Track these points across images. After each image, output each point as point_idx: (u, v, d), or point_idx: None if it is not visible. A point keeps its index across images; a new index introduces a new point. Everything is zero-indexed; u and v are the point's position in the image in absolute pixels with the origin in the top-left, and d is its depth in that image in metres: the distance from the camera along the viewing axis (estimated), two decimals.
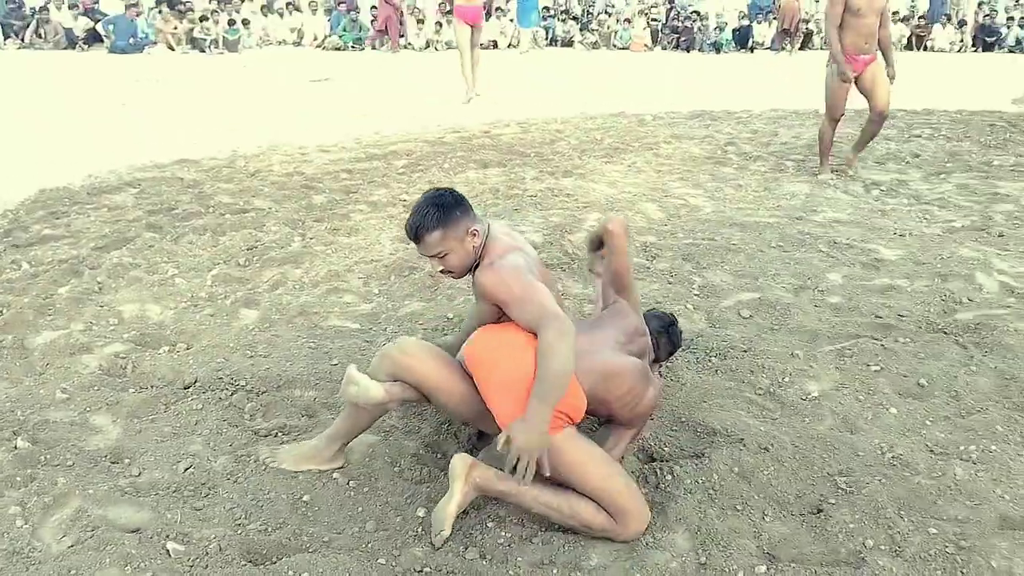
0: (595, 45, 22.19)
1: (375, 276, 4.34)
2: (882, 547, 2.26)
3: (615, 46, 22.02)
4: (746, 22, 22.10)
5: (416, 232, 2.44)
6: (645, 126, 9.29)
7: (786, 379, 3.22)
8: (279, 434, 2.81)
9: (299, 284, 4.20)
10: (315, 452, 2.58)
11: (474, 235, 2.47)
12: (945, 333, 3.61)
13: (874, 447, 2.73)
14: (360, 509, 2.43)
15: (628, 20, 22.48)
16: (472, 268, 2.52)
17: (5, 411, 2.91)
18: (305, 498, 2.46)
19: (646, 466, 2.67)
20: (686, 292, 4.11)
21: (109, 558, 2.15)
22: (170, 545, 2.21)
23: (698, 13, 22.38)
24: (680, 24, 21.89)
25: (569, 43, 22.47)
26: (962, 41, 23.01)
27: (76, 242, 4.70)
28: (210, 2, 21.08)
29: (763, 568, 2.18)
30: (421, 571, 2.18)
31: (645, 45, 21.78)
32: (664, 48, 21.87)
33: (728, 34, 22.24)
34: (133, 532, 2.27)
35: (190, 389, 3.09)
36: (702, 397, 3.09)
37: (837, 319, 3.77)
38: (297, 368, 3.25)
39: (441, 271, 2.51)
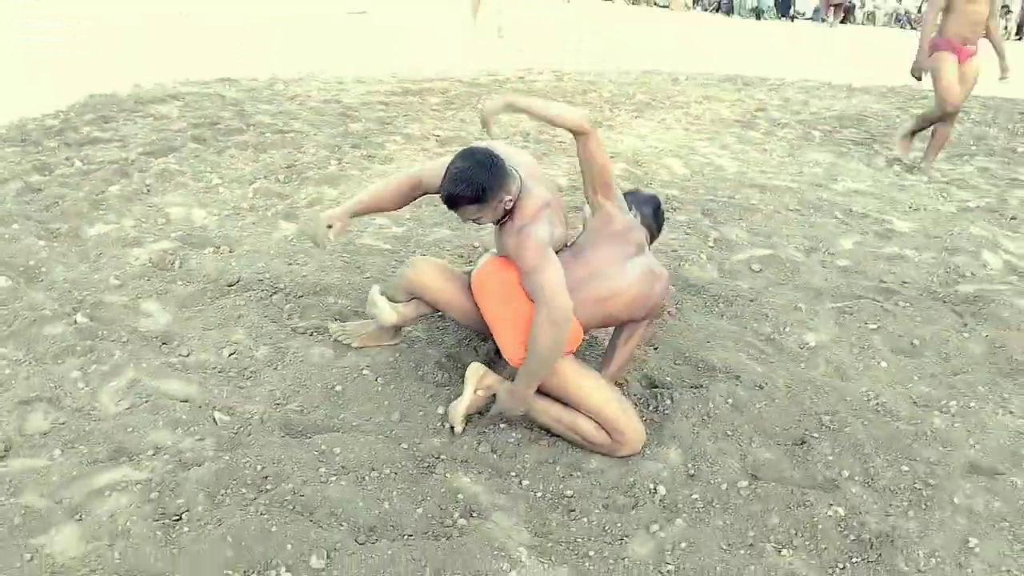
0: (635, 1, 22.02)
1: None
2: (856, 478, 2.49)
3: (656, 3, 21.84)
4: None
5: (454, 201, 2.47)
6: (678, 85, 9.37)
7: (787, 329, 3.42)
8: (314, 333, 3.05)
9: (335, 203, 4.41)
10: (380, 333, 2.91)
11: (510, 199, 2.53)
12: (944, 302, 3.79)
13: (861, 394, 2.94)
14: (386, 402, 2.68)
15: None
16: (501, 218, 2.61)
17: (64, 291, 3.16)
18: (338, 388, 2.71)
19: (647, 391, 2.90)
20: (701, 243, 4.30)
21: (162, 421, 2.42)
22: (216, 415, 2.46)
23: None
24: None
25: None
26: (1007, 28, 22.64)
27: (124, 146, 4.93)
28: None
29: (745, 483, 2.41)
30: (438, 458, 2.43)
31: (685, 5, 21.58)
32: (704, 10, 21.65)
33: (770, 0, 21.99)
34: (183, 402, 2.52)
35: (233, 287, 3.33)
36: (706, 338, 3.31)
37: (843, 280, 3.96)
38: (331, 278, 3.48)
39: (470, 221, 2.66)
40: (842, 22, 21.26)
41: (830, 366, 3.16)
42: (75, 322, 2.93)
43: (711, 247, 4.29)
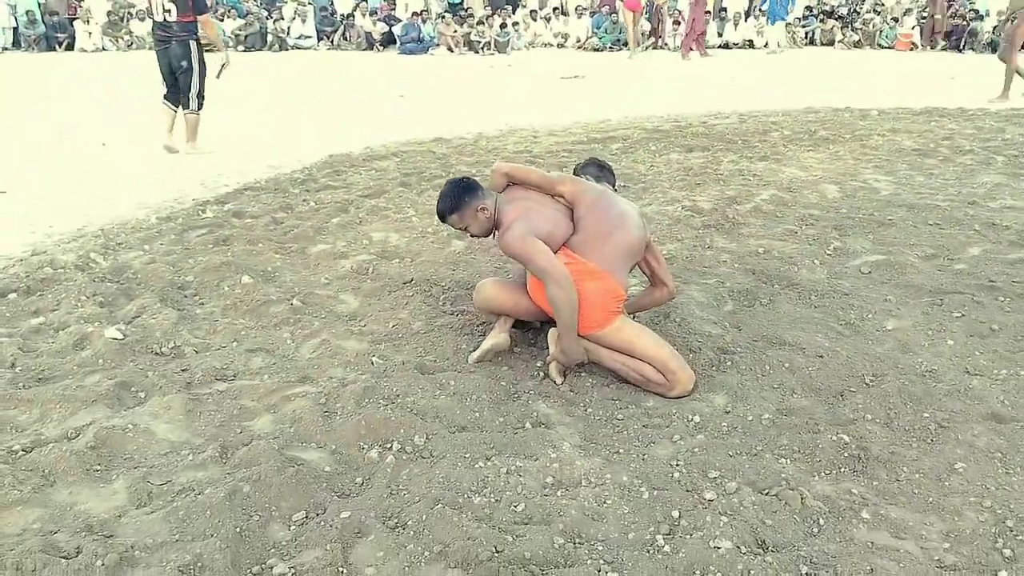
0: (857, 44, 21.62)
1: None
2: (877, 420, 2.92)
3: (879, 45, 21.31)
4: None
5: (440, 215, 3.42)
6: (867, 120, 9.50)
7: (870, 316, 3.82)
8: (458, 315, 3.93)
9: None
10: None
11: (483, 210, 3.37)
12: None
13: (915, 363, 3.32)
14: (500, 358, 3.48)
15: (895, 19, 21.64)
16: (493, 231, 3.42)
17: (289, 286, 4.32)
18: (463, 347, 3.56)
19: (717, 356, 3.48)
20: (818, 251, 4.73)
21: (337, 361, 3.40)
22: (375, 360, 3.41)
23: (976, 11, 20.98)
24: (954, 22, 20.70)
25: (830, 42, 22.05)
26: None
27: (348, 191, 6.23)
28: (485, 8, 23.31)
29: (768, 417, 2.94)
30: (531, 392, 3.19)
31: (912, 44, 20.83)
32: (933, 48, 20.75)
33: None
34: (353, 354, 3.50)
35: (407, 284, 4.32)
36: (790, 323, 3.80)
37: (949, 280, 4.21)
38: (480, 280, 4.37)
39: (470, 236, 3.49)
40: None
41: (897, 343, 3.54)
42: (292, 305, 4.04)
43: (828, 255, 4.70)
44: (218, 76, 8.04)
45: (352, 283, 4.38)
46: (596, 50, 21.54)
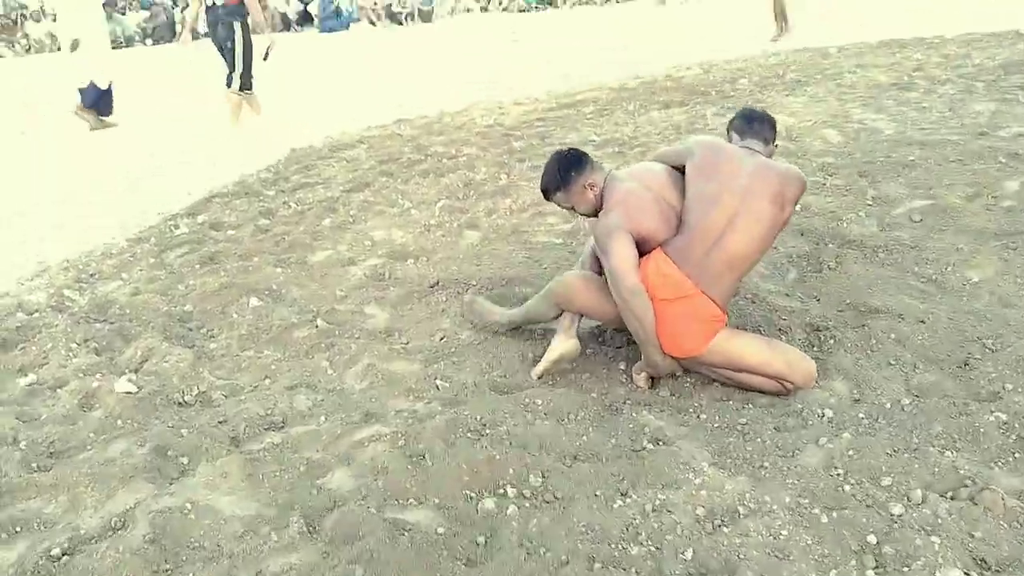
0: None
1: None
2: (1020, 389, 2.64)
3: None
4: None
5: (544, 192, 3.06)
6: (829, 58, 9.30)
7: (949, 268, 3.56)
8: None
9: (509, 210, 4.94)
10: (493, 323, 3.37)
11: (592, 187, 2.98)
12: None
13: None
14: (575, 364, 3.11)
15: None
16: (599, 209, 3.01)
17: (303, 304, 3.84)
18: (530, 355, 3.17)
19: (810, 335, 3.16)
20: (859, 202, 4.46)
21: (397, 391, 2.97)
22: (439, 383, 2.99)
23: None
24: None
25: None
26: None
27: (328, 187, 5.71)
28: None
29: (908, 400, 2.64)
30: (623, 402, 2.83)
31: None
32: None
33: None
34: (410, 379, 3.07)
35: (435, 288, 3.89)
36: (867, 285, 3.50)
37: (1006, 219, 3.99)
38: (514, 272, 3.96)
39: (578, 215, 3.14)
40: None
41: (993, 296, 3.29)
42: (316, 326, 3.58)
43: (869, 204, 4.43)
44: (265, 58, 8.37)
45: (373, 293, 3.92)
46: (522, 11, 21.01)
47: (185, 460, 2.65)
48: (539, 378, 3.01)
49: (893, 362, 2.90)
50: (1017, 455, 2.35)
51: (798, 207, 4.37)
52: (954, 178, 4.67)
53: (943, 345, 2.96)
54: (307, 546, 2.20)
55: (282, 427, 2.84)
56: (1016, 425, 2.44)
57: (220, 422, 2.87)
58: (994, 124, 5.75)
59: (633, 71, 9.68)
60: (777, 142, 5.72)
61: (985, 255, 3.64)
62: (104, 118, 8.93)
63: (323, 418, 2.86)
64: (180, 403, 3.05)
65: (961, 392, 2.69)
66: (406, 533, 2.18)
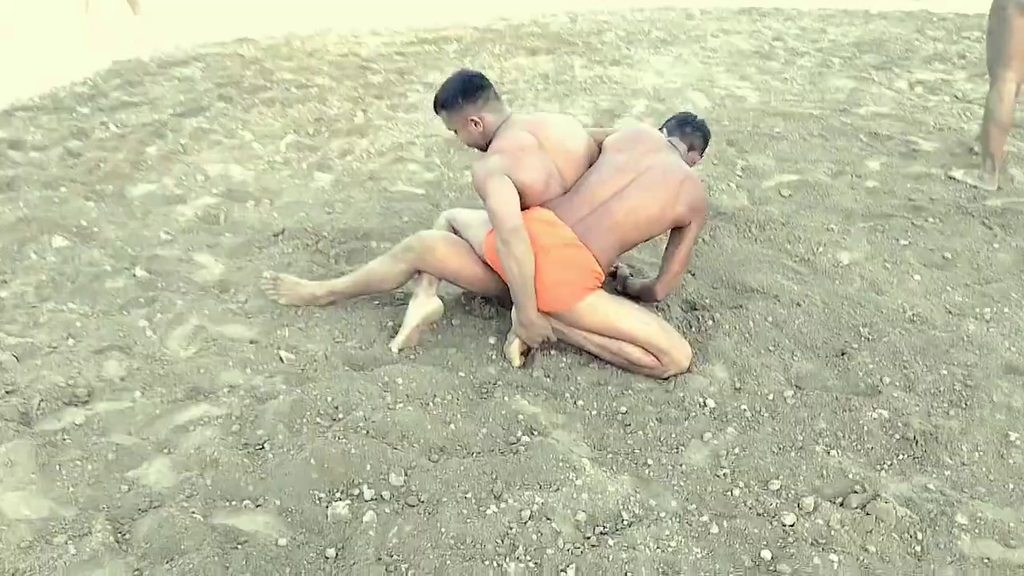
0: None
1: (435, 149, 4.62)
2: (897, 383, 2.58)
3: None
4: None
5: (434, 105, 2.78)
6: (692, 20, 9.28)
7: (820, 249, 3.49)
8: None
9: (366, 153, 4.50)
10: (311, 298, 2.90)
11: (476, 124, 2.71)
12: (973, 216, 3.83)
13: (897, 306, 3.03)
14: (439, 336, 2.79)
15: None
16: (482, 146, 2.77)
17: (118, 247, 3.29)
18: (390, 324, 2.82)
19: (688, 314, 2.99)
20: (729, 172, 4.35)
21: (231, 361, 2.55)
22: (282, 353, 2.59)
23: None
24: None
25: None
26: None
27: (155, 108, 5.01)
28: None
29: (790, 392, 2.51)
30: (494, 384, 2.55)
31: None
32: None
33: None
34: (250, 343, 2.65)
35: (279, 236, 3.43)
36: (741, 262, 3.38)
37: (871, 200, 4.00)
38: (371, 223, 3.57)
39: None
40: None
41: (864, 281, 3.24)
42: (135, 276, 3.06)
43: (739, 176, 4.34)
44: None
45: (205, 238, 3.42)
46: None
47: None
48: (400, 351, 2.67)
49: (772, 348, 2.77)
50: (901, 457, 2.26)
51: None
52: (819, 154, 4.66)
53: (820, 332, 2.86)
54: (114, 560, 1.79)
55: (87, 402, 2.36)
56: (899, 424, 2.36)
57: (8, 392, 2.36)
58: (853, 101, 5.85)
59: (497, 12, 9.27)
60: (647, 101, 5.58)
61: (854, 237, 3.61)
62: None
63: (138, 392, 2.40)
64: None
65: (841, 384, 2.59)
66: (240, 546, 1.82)
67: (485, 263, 2.71)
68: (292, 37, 7.51)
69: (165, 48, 6.78)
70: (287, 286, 2.90)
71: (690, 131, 2.99)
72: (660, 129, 3.02)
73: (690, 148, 2.98)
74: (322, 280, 2.97)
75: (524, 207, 2.60)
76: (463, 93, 2.70)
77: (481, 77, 2.77)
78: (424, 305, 2.72)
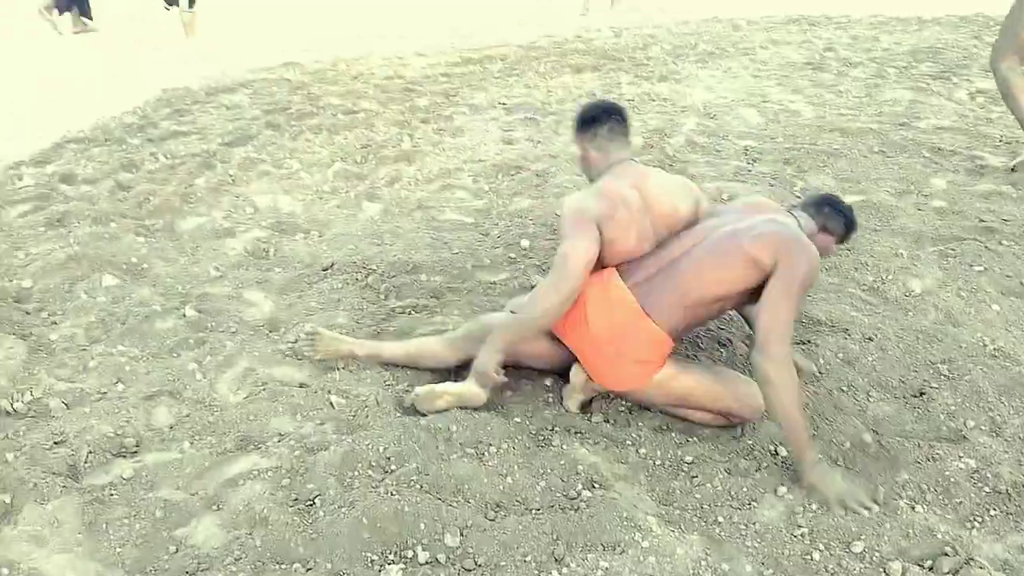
0: None
1: (483, 175, 4.54)
2: (983, 427, 2.41)
3: None
4: None
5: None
6: (740, 31, 9.11)
7: (889, 276, 3.33)
8: (411, 312, 3.07)
9: (414, 180, 4.43)
10: (349, 355, 2.71)
11: (583, 154, 2.68)
12: None
13: (976, 339, 2.85)
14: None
15: None
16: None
17: (169, 285, 3.25)
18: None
19: (745, 347, 2.85)
20: (788, 194, 4.20)
21: (281, 407, 2.47)
22: (333, 399, 2.51)
23: None
24: None
25: None
26: None
27: (203, 138, 5.02)
28: None
29: (868, 438, 2.36)
30: (552, 429, 2.43)
31: None
32: None
33: None
34: (299, 387, 2.58)
35: (328, 271, 3.37)
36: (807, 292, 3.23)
37: (940, 222, 3.82)
38: (421, 256, 3.49)
39: None
40: None
41: (939, 312, 3.07)
42: (184, 316, 3.01)
43: (798, 197, 4.18)
44: None
45: (254, 273, 3.37)
46: None
47: (7, 499, 2.08)
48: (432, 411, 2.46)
49: (845, 389, 2.62)
50: (992, 513, 2.10)
51: (725, 195, 4.10)
52: (881, 172, 4.49)
53: (897, 371, 2.70)
54: None
55: (135, 453, 2.30)
56: (988, 475, 2.19)
57: (56, 443, 2.31)
58: (912, 114, 5.65)
59: (541, 29, 9.21)
60: (697, 120, 5.44)
61: (925, 263, 3.43)
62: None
63: (187, 443, 2.34)
64: (7, 412, 2.46)
65: (922, 429, 2.43)
66: None
67: (552, 336, 2.56)
68: (338, 60, 7.53)
69: (212, 73, 6.82)
70: (325, 342, 2.72)
71: (828, 211, 2.66)
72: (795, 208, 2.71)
73: (823, 229, 2.65)
74: (366, 339, 2.83)
75: (606, 264, 2.48)
76: (580, 120, 2.68)
77: (604, 111, 2.66)
78: (467, 391, 2.47)
